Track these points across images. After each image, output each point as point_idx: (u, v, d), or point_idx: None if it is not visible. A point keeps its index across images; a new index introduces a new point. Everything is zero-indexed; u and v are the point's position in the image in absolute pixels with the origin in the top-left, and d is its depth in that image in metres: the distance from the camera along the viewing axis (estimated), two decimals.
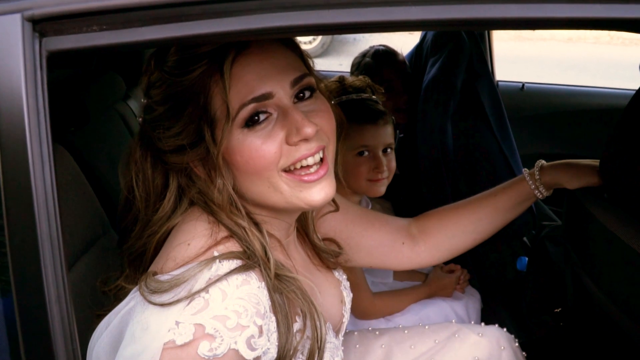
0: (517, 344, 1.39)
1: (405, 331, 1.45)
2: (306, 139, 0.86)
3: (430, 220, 1.26)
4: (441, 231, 1.25)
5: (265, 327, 0.82)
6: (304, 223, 1.09)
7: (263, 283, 0.84)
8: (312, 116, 0.88)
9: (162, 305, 0.79)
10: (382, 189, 1.69)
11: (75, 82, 1.75)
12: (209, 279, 0.79)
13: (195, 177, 0.89)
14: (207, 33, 0.67)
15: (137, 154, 0.90)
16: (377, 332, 1.49)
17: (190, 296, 0.78)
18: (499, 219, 1.25)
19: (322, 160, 0.90)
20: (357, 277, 1.71)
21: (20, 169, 0.64)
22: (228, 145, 0.84)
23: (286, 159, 0.86)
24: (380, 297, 1.79)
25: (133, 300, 0.85)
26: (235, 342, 0.78)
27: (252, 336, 0.80)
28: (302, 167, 0.88)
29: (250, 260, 0.85)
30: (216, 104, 0.83)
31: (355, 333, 1.52)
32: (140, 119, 0.90)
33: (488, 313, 1.92)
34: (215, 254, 0.84)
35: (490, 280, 2.04)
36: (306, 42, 7.93)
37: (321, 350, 0.90)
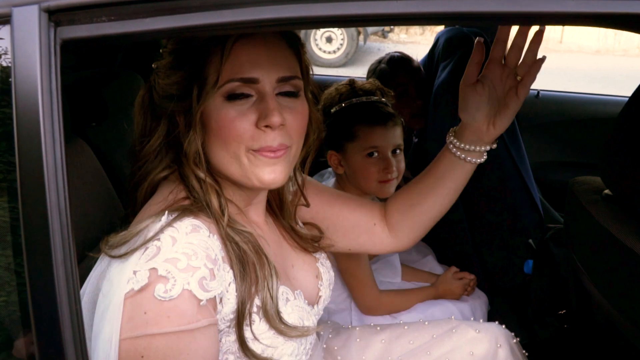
0: (515, 341, 1.41)
1: (406, 327, 1.48)
2: (271, 127, 0.94)
3: (389, 200, 1.30)
4: (394, 207, 1.27)
5: (217, 273, 0.88)
6: (280, 207, 1.17)
7: (215, 235, 0.92)
8: (286, 112, 0.96)
9: (120, 257, 0.87)
10: (391, 189, 1.72)
11: (97, 80, 1.85)
12: (160, 227, 0.87)
13: (176, 127, 0.99)
14: (203, 24, 0.74)
15: (145, 98, 1.02)
16: (378, 328, 1.52)
17: (144, 244, 0.86)
18: (443, 186, 1.19)
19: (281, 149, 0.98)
20: (364, 272, 1.75)
21: (33, 141, 0.71)
22: (207, 109, 0.94)
23: (254, 142, 0.95)
24: (387, 295, 1.82)
25: (100, 265, 0.94)
26: (188, 283, 0.84)
27: (204, 277, 0.86)
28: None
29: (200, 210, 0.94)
30: (210, 70, 0.93)
31: (357, 328, 1.55)
32: (154, 65, 1.02)
33: (494, 316, 1.93)
34: None
35: (497, 283, 2.05)
36: (330, 52, 8.06)
37: (274, 300, 0.95)
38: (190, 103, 0.94)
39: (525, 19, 0.89)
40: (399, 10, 0.73)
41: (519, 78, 1.05)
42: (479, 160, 1.15)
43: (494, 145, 1.15)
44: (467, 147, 1.12)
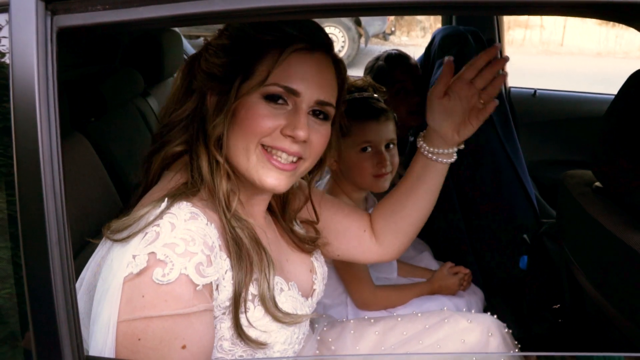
0: (506, 331, 1.42)
1: (399, 319, 1.50)
2: (294, 139, 0.99)
3: (374, 209, 1.34)
4: (378, 215, 1.32)
5: (214, 260, 0.91)
6: (282, 210, 1.20)
7: (213, 224, 0.94)
8: (312, 131, 1.02)
9: (121, 241, 0.89)
10: (386, 184, 1.74)
11: (96, 76, 1.88)
12: (159, 213, 0.90)
13: (205, 107, 1.03)
14: (194, 13, 0.76)
15: (186, 68, 1.06)
16: (372, 320, 1.54)
17: (143, 229, 0.88)
18: (419, 188, 1.24)
19: (293, 163, 1.02)
20: (359, 267, 1.76)
21: (29, 126, 0.73)
22: (244, 100, 0.99)
23: (269, 139, 0.99)
24: (382, 290, 1.83)
25: (100, 251, 0.97)
26: (186, 268, 0.87)
27: (201, 263, 0.88)
28: (276, 154, 1.01)
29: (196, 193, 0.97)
30: (260, 68, 0.99)
31: (352, 321, 1.57)
32: (204, 40, 1.06)
33: (490, 311, 1.94)
34: None
35: (493, 279, 2.06)
36: None
37: (271, 291, 0.98)
38: (228, 88, 0.99)
39: (526, 8, 0.91)
40: None
41: (481, 101, 1.12)
42: (449, 160, 1.21)
43: (462, 146, 1.22)
44: (436, 150, 1.19)
